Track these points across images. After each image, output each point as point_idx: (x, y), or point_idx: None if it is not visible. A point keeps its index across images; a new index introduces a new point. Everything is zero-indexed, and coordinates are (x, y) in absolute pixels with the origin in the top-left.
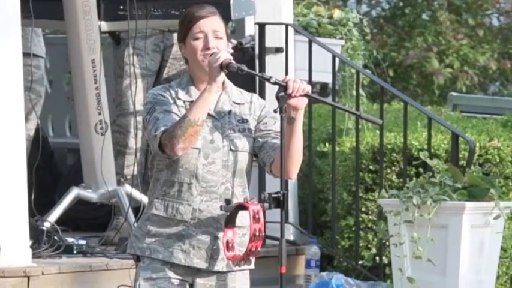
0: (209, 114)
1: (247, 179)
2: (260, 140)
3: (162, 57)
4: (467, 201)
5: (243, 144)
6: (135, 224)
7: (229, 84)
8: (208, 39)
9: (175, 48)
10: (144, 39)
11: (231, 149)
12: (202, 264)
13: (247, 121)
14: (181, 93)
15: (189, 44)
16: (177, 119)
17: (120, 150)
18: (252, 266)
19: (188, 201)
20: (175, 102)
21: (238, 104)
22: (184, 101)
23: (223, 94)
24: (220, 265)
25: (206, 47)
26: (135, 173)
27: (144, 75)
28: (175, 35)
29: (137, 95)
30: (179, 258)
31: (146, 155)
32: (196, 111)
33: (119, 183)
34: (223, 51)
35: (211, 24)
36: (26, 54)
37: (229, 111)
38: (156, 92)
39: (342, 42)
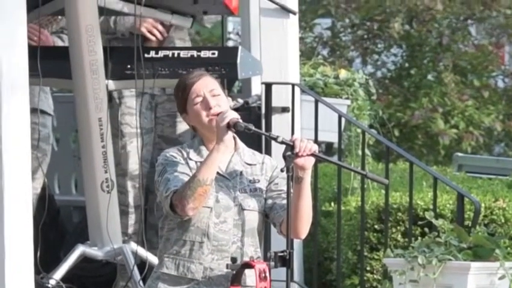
0: (221, 175)
1: (259, 239)
2: (270, 200)
3: (154, 115)
4: (472, 262)
5: (254, 204)
6: (141, 282)
7: (241, 145)
8: (208, 100)
9: (169, 105)
10: (141, 97)
11: (242, 209)
12: None
13: (259, 181)
14: (193, 154)
15: (191, 111)
16: None
17: (123, 210)
18: None
19: (199, 260)
20: (187, 163)
21: (250, 164)
22: (195, 162)
23: (235, 155)
24: None
25: (208, 107)
26: (136, 230)
27: (139, 134)
28: (165, 92)
29: (134, 155)
30: None
31: (146, 213)
32: (204, 171)
33: (124, 241)
34: (231, 111)
35: (205, 85)
36: (33, 112)
37: (241, 172)
38: (168, 153)
39: (348, 102)
